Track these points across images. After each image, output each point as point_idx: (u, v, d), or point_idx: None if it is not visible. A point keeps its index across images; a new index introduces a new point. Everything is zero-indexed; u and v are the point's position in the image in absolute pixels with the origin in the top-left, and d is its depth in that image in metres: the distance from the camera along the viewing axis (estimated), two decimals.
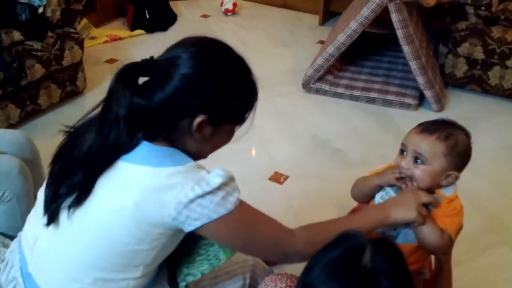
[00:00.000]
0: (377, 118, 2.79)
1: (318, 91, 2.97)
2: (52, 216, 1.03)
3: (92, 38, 3.59)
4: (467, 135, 1.25)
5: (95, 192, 0.99)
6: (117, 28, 3.79)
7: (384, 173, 1.29)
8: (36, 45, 2.48)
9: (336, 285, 0.81)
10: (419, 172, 1.21)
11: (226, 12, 4.02)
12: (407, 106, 2.83)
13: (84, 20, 3.57)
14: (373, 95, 2.87)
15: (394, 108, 2.85)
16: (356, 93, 2.90)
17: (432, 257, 1.43)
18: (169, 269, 1.21)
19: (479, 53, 2.77)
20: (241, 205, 1.02)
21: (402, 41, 2.64)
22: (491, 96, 2.93)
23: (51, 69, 2.58)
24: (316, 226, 1.13)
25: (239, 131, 1.14)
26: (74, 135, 1.06)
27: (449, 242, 1.25)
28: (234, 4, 4.01)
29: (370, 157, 2.44)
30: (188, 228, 0.99)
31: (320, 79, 2.96)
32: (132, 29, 3.73)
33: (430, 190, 1.25)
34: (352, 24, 2.71)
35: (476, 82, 2.89)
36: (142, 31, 3.71)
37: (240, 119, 1.10)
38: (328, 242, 0.89)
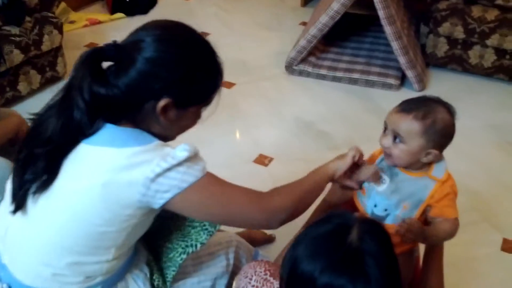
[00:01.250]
0: (360, 99, 2.81)
1: (301, 73, 2.97)
2: (19, 203, 1.03)
3: (71, 22, 3.53)
4: (450, 113, 1.22)
5: (60, 176, 1.00)
6: (96, 12, 3.73)
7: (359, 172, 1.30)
8: (14, 30, 2.44)
9: (321, 261, 0.82)
10: (397, 151, 1.21)
11: None
12: (389, 87, 2.85)
13: (63, 4, 3.51)
14: (356, 76, 2.88)
15: (377, 88, 2.87)
16: (339, 74, 2.91)
17: None
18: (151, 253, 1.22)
19: (459, 33, 2.79)
20: (209, 173, 1.04)
21: (383, 22, 2.64)
22: (472, 75, 2.96)
23: (30, 54, 2.54)
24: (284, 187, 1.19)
25: (206, 112, 1.15)
26: (38, 123, 1.05)
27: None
28: None
29: (354, 138, 2.46)
30: (159, 202, 0.99)
31: (303, 60, 2.96)
32: (112, 12, 3.67)
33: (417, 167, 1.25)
34: (334, 5, 2.70)
35: (456, 61, 2.92)
36: (122, 15, 3.66)
37: (205, 101, 1.10)
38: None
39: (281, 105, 2.75)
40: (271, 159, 2.33)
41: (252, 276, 1.08)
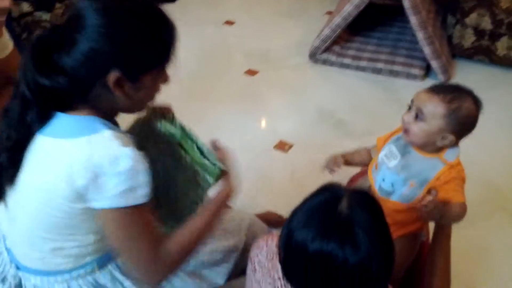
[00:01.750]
0: (383, 88, 2.80)
1: (324, 62, 2.98)
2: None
3: None
4: (477, 105, 1.24)
5: (23, 169, 1.00)
6: None
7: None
8: (45, 16, 2.53)
9: (313, 231, 0.85)
10: (416, 128, 1.24)
11: None
12: (413, 77, 2.83)
13: None
14: (380, 65, 2.88)
15: (401, 78, 2.86)
16: (363, 63, 2.90)
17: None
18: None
19: (487, 24, 2.75)
20: (139, 207, 0.97)
21: (408, 11, 2.63)
22: (499, 67, 2.92)
23: None
24: (178, 241, 1.07)
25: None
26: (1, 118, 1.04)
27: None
28: None
29: (375, 127, 2.46)
30: (93, 205, 0.96)
31: (327, 49, 2.97)
32: None
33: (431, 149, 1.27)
34: None
35: (483, 52, 2.88)
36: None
37: (157, 67, 1.03)
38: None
39: (303, 93, 2.77)
40: (290, 146, 2.36)
41: (263, 247, 1.11)
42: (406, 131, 1.27)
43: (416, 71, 2.83)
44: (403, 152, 1.30)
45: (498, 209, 2.05)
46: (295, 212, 0.92)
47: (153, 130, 1.21)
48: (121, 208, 0.95)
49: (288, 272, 0.94)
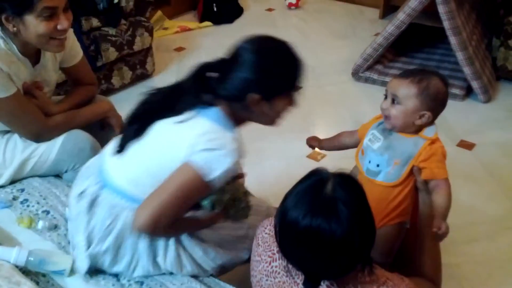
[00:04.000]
0: None
1: (367, 80, 3.10)
2: (121, 146, 1.38)
3: (165, 28, 3.94)
4: (444, 82, 1.39)
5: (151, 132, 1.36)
6: (188, 20, 4.13)
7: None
8: (111, 31, 2.84)
9: (303, 209, 0.99)
10: (395, 111, 1.38)
11: (289, 6, 4.23)
12: (454, 96, 2.88)
13: (159, 12, 3.94)
14: None
15: None
16: None
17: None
18: None
19: None
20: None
21: (448, 32, 2.71)
22: None
23: (124, 52, 2.93)
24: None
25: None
26: (149, 99, 1.40)
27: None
28: None
29: None
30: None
31: (370, 68, 3.09)
32: (201, 21, 4.04)
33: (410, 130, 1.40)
34: (400, 15, 2.81)
35: None
36: (209, 23, 4.02)
37: (288, 90, 1.34)
38: None
39: (342, 108, 2.90)
40: (323, 156, 2.49)
41: (267, 225, 1.26)
42: (386, 117, 1.41)
43: (456, 91, 2.88)
44: (385, 135, 1.43)
45: None
46: (288, 194, 1.05)
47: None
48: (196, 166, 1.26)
49: (282, 247, 1.07)
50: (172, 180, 1.27)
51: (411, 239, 1.47)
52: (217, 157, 1.26)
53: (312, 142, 1.73)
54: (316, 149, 1.80)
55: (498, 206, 2.14)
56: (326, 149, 1.76)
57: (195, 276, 1.42)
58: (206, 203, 1.37)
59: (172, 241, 1.38)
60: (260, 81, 1.28)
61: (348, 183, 1.02)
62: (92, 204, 1.36)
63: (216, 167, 1.25)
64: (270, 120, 1.39)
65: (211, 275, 1.46)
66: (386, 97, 1.42)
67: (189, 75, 1.36)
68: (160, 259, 1.37)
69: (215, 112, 1.31)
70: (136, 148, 1.36)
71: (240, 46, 1.33)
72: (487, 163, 2.39)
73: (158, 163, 1.32)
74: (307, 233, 0.98)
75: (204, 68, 1.36)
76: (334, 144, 1.69)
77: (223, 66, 1.34)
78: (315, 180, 1.03)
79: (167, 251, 1.38)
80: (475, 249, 1.94)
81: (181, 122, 1.30)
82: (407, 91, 1.37)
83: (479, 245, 1.96)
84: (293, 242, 1.03)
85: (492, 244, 1.97)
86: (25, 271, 1.35)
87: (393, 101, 1.39)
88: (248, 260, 1.54)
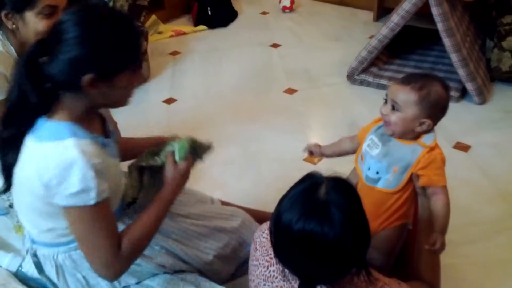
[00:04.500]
0: None
1: (362, 83, 3.11)
2: (6, 181, 1.23)
3: (159, 33, 3.94)
4: (445, 88, 1.35)
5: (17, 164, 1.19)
6: (182, 24, 4.12)
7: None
8: None
9: (296, 213, 0.99)
10: (394, 118, 1.36)
11: (284, 9, 4.24)
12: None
13: (153, 17, 3.94)
14: None
15: None
16: None
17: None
18: None
19: None
20: (96, 206, 1.12)
21: (442, 34, 2.72)
22: None
23: None
24: (134, 233, 1.21)
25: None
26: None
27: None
28: (292, 1, 4.21)
29: None
30: (56, 201, 1.12)
31: (365, 71, 3.10)
32: (196, 25, 4.04)
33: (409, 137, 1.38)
34: (394, 17, 2.82)
35: None
36: (204, 27, 4.01)
37: (129, 67, 1.16)
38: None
39: (338, 111, 2.91)
40: (320, 159, 2.49)
41: (265, 230, 1.26)
42: (386, 123, 1.39)
43: (451, 93, 2.87)
44: (384, 141, 1.41)
45: None
46: (283, 198, 1.06)
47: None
48: (75, 207, 1.11)
49: (277, 249, 1.07)
50: (74, 229, 1.16)
51: (413, 240, 1.47)
52: (78, 183, 1.09)
53: (313, 148, 1.68)
54: (316, 156, 1.76)
55: (494, 207, 2.15)
56: (327, 156, 1.70)
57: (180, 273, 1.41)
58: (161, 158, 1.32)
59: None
60: (91, 58, 1.09)
61: (341, 187, 1.03)
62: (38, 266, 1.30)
63: (88, 191, 1.10)
64: (117, 101, 1.21)
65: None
66: (386, 101, 1.39)
67: (19, 70, 1.13)
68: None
69: (50, 126, 1.13)
70: (15, 190, 1.22)
71: (60, 21, 1.12)
72: (483, 165, 2.40)
73: (33, 208, 1.20)
74: (300, 236, 0.99)
75: (32, 56, 1.13)
76: (335, 150, 1.66)
77: (47, 48, 1.12)
78: (308, 184, 1.03)
79: None
80: (472, 250, 1.94)
81: (27, 152, 1.15)
82: (407, 98, 1.33)
83: (476, 246, 1.96)
84: (287, 245, 1.03)
85: (489, 245, 1.97)
86: (21, 279, 1.35)
87: (393, 107, 1.36)
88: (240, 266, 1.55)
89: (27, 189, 1.16)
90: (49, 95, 1.15)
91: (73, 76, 1.10)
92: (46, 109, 1.16)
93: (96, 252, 1.15)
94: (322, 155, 1.69)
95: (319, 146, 1.68)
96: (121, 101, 1.22)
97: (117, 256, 1.16)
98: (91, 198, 1.10)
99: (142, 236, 1.22)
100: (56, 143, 1.11)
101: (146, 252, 1.34)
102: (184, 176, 1.33)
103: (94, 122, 1.25)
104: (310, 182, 1.03)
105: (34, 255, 1.30)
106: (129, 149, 1.46)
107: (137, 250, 1.23)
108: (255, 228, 1.58)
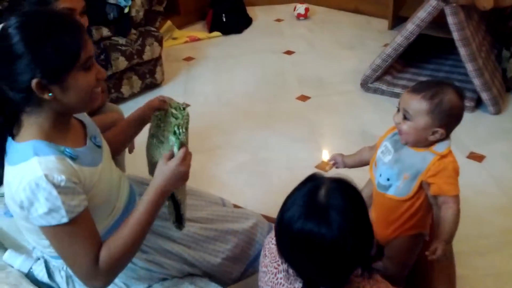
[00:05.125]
0: None
1: (375, 91, 3.10)
2: None
3: (174, 38, 3.97)
4: (459, 95, 1.31)
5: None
6: (197, 30, 4.15)
7: None
8: (121, 40, 2.87)
9: (296, 213, 1.00)
10: (406, 127, 1.34)
11: (298, 16, 4.25)
12: None
13: (168, 23, 3.97)
14: None
15: None
16: None
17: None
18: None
19: None
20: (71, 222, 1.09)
21: (458, 43, 2.70)
22: None
23: (133, 62, 2.95)
24: (115, 244, 1.16)
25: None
26: None
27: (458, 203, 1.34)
28: (306, 9, 4.22)
29: None
30: (32, 221, 1.11)
31: (379, 79, 3.08)
32: (210, 31, 4.06)
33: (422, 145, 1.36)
34: (409, 26, 2.81)
35: None
36: (218, 33, 4.04)
37: (75, 65, 1.09)
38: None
39: (350, 119, 2.90)
40: (332, 166, 2.48)
41: (274, 237, 1.26)
42: (399, 131, 1.37)
43: (466, 102, 2.83)
44: (396, 148, 1.40)
45: None
46: (286, 199, 1.07)
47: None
48: (48, 226, 1.09)
49: (280, 248, 1.08)
50: (53, 246, 1.14)
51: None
52: (44, 204, 1.06)
53: (337, 158, 1.65)
54: (325, 160, 1.74)
55: (506, 219, 2.12)
56: (349, 166, 1.64)
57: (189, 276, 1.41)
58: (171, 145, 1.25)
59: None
60: (32, 60, 1.04)
61: (342, 189, 1.03)
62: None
63: (56, 210, 1.07)
64: (78, 104, 1.14)
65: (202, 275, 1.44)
66: (398, 110, 1.37)
67: None
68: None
69: (16, 148, 1.11)
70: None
71: (3, 28, 1.07)
72: (497, 175, 2.37)
73: (24, 227, 1.20)
74: (300, 235, 1.00)
75: None
76: (356, 160, 1.63)
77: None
78: (310, 186, 1.04)
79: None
80: (483, 261, 1.92)
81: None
82: (418, 107, 1.31)
83: (487, 257, 1.94)
84: (288, 244, 1.05)
85: (500, 257, 1.94)
86: (32, 280, 1.36)
87: (404, 116, 1.34)
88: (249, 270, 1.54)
89: (13, 210, 1.16)
90: (10, 116, 1.12)
91: (22, 85, 1.06)
92: (9, 131, 1.13)
93: (76, 268, 1.14)
94: (345, 165, 1.65)
95: (342, 155, 1.65)
96: (82, 104, 1.15)
97: (97, 272, 1.14)
98: (62, 216, 1.08)
99: (125, 249, 1.17)
100: (22, 165, 1.09)
101: (154, 258, 1.34)
102: (180, 166, 1.22)
103: (70, 131, 1.21)
104: (312, 184, 1.04)
105: (45, 261, 1.32)
106: (121, 140, 1.47)
107: (118, 266, 1.19)
108: (268, 229, 1.59)
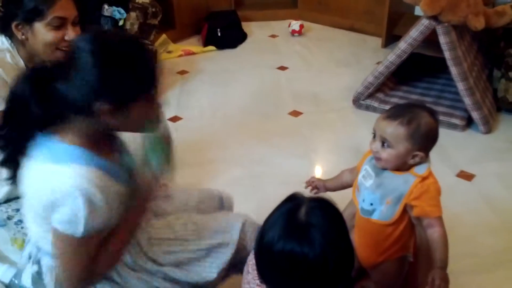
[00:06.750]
0: None
1: (367, 108, 3.11)
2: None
3: (169, 52, 3.98)
4: (433, 117, 1.34)
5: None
6: (191, 44, 4.17)
7: None
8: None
9: (277, 233, 1.01)
10: (386, 155, 1.33)
11: (293, 33, 4.28)
12: (454, 127, 2.89)
13: (164, 36, 3.99)
14: None
15: (441, 127, 2.85)
16: None
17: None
18: None
19: None
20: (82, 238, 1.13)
21: (449, 62, 2.73)
22: None
23: None
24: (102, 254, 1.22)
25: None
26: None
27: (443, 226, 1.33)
28: (301, 26, 4.25)
29: None
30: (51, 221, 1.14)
31: (371, 96, 3.10)
32: (205, 45, 4.08)
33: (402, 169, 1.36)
34: (401, 44, 2.84)
35: None
36: (213, 48, 4.05)
37: (143, 95, 1.15)
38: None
39: (343, 135, 2.91)
40: (312, 190, 2.48)
41: None
42: (377, 159, 1.36)
43: (457, 121, 2.88)
44: (377, 172, 1.39)
45: None
46: (266, 219, 1.07)
47: None
48: (60, 231, 1.12)
49: (260, 270, 1.07)
50: (53, 246, 1.17)
51: (415, 273, 1.45)
52: (68, 213, 1.09)
53: (318, 183, 1.65)
54: (320, 176, 1.74)
55: (497, 238, 2.12)
56: (331, 190, 1.65)
57: None
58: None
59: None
60: (105, 88, 1.09)
61: (322, 208, 1.03)
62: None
63: (76, 223, 1.10)
64: (133, 128, 1.21)
65: None
66: (374, 136, 1.37)
67: (23, 84, 1.13)
68: None
69: (54, 147, 1.13)
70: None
71: (77, 46, 1.11)
72: (487, 195, 2.38)
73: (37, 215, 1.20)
74: (281, 256, 1.00)
75: (40, 72, 1.14)
76: (337, 183, 1.64)
77: (61, 71, 1.11)
78: (290, 205, 1.05)
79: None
80: (473, 281, 1.91)
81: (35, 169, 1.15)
82: (396, 134, 1.30)
83: (477, 277, 1.93)
84: (269, 265, 1.04)
85: (490, 276, 1.94)
86: None
87: (382, 143, 1.33)
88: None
89: (30, 204, 1.18)
90: (54, 112, 1.14)
91: (85, 103, 1.10)
92: (46, 124, 1.15)
93: (65, 274, 1.18)
94: (327, 189, 1.65)
95: (322, 180, 1.66)
96: (133, 130, 1.22)
97: (79, 284, 1.19)
98: (78, 231, 1.11)
99: (106, 264, 1.24)
100: (57, 167, 1.11)
101: (147, 277, 1.35)
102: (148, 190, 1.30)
103: (104, 143, 1.23)
104: (291, 203, 1.05)
105: (37, 262, 1.30)
106: None
107: (107, 267, 1.25)
108: (258, 226, 1.57)
